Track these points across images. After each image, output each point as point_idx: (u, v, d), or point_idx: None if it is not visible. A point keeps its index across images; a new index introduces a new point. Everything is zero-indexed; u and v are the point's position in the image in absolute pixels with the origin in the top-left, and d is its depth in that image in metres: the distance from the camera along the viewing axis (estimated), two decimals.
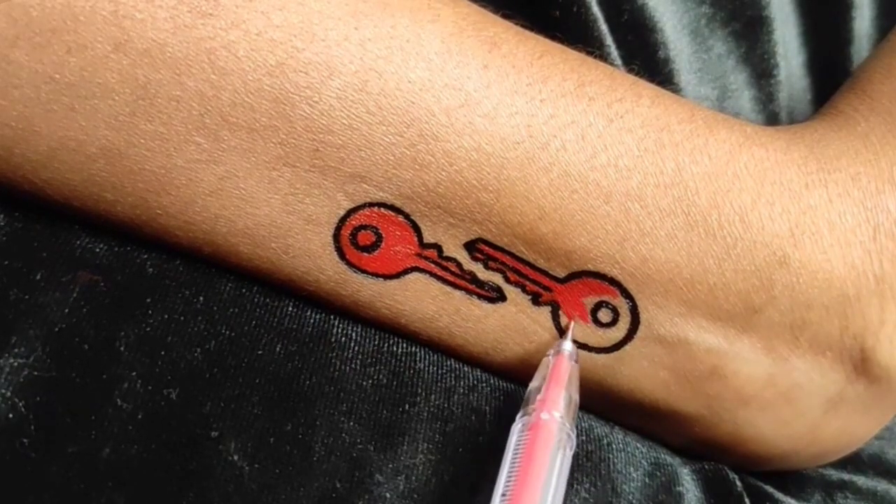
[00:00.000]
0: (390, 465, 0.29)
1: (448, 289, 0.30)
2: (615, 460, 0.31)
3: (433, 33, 0.28)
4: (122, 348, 0.28)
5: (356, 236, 0.29)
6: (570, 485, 0.30)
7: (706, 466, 0.34)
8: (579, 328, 0.30)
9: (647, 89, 0.30)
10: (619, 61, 0.35)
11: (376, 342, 0.31)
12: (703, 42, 0.38)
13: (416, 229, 0.29)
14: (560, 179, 0.28)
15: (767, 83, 0.39)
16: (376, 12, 0.28)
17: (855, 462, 0.38)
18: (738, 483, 0.34)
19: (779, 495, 0.35)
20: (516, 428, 0.28)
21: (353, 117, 0.27)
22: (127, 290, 0.29)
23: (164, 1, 0.26)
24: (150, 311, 0.29)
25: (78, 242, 0.30)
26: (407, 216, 0.29)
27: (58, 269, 0.29)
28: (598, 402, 0.32)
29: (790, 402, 0.32)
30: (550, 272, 0.30)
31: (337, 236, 0.29)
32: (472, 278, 0.30)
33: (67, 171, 0.28)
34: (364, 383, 0.30)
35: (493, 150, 0.28)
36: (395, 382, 0.30)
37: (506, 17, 0.30)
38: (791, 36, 0.40)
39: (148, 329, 0.29)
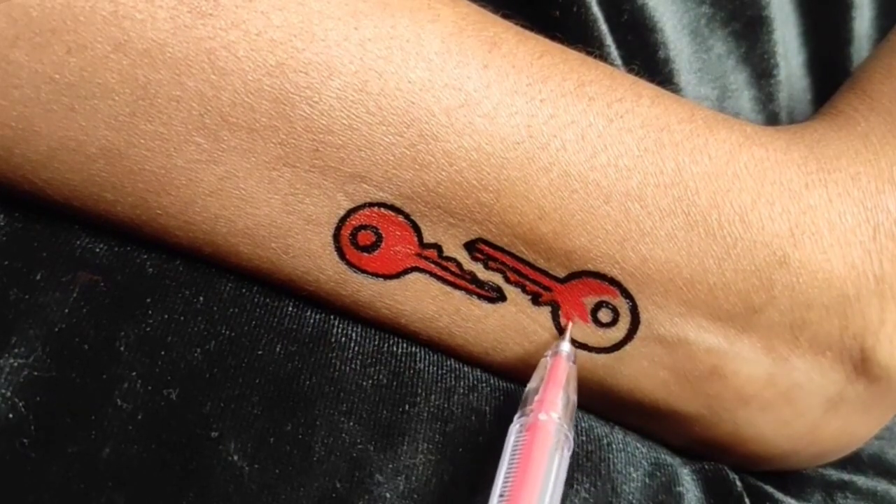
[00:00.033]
0: (390, 466, 0.29)
1: (448, 289, 0.30)
2: (615, 460, 0.31)
3: (433, 33, 0.28)
4: (122, 348, 0.28)
5: (356, 236, 0.29)
6: (570, 485, 0.30)
7: (706, 466, 0.34)
8: (579, 328, 0.30)
9: (647, 89, 0.30)
10: (619, 61, 0.35)
11: (376, 342, 0.31)
12: (703, 42, 0.38)
13: (416, 229, 0.29)
14: (560, 179, 0.28)
15: (767, 83, 0.39)
16: (376, 12, 0.28)
17: (855, 462, 0.38)
18: (738, 483, 0.34)
19: (779, 495, 0.35)
20: (514, 429, 0.28)
21: (353, 117, 0.27)
22: (127, 290, 0.29)
23: (163, 1, 0.26)
24: (150, 311, 0.29)
25: (78, 242, 0.30)
26: (407, 216, 0.29)
27: (58, 269, 0.29)
28: (598, 402, 0.32)
29: (790, 401, 0.32)
30: (550, 272, 0.30)
31: (337, 236, 0.29)
32: (472, 278, 0.30)
33: (67, 171, 0.28)
34: (364, 383, 0.30)
35: (493, 150, 0.28)
36: (395, 382, 0.30)
37: (506, 17, 0.30)
38: (791, 36, 0.40)
39: (148, 329, 0.29)
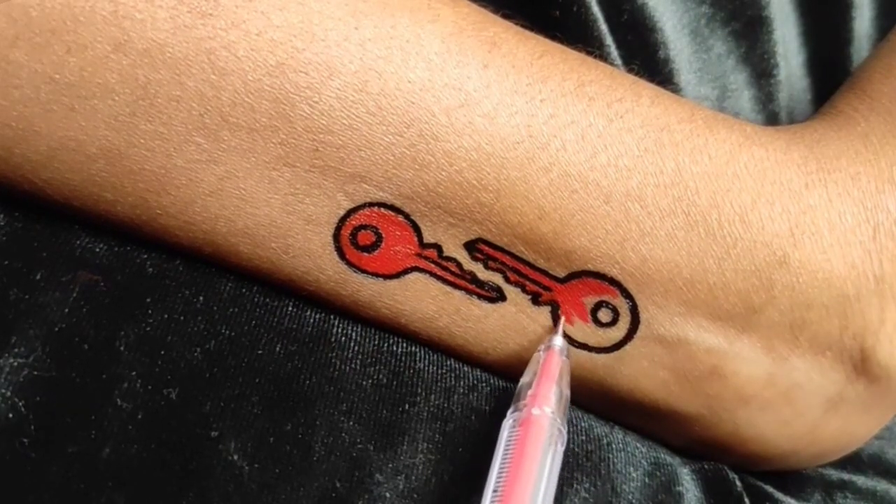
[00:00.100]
0: (390, 465, 0.29)
1: (448, 289, 0.30)
2: (615, 460, 0.31)
3: (433, 33, 0.28)
4: (122, 348, 0.28)
5: (356, 236, 0.29)
6: (569, 484, 0.30)
7: (706, 466, 0.34)
8: (579, 328, 0.30)
9: (646, 89, 0.30)
10: (619, 61, 0.35)
11: (376, 342, 0.31)
12: (703, 42, 0.38)
13: (416, 229, 0.29)
14: (560, 179, 0.28)
15: (767, 83, 0.39)
16: (376, 12, 0.28)
17: (855, 462, 0.38)
18: (738, 483, 0.34)
19: (779, 495, 0.35)
20: (507, 424, 0.28)
21: (353, 117, 0.27)
22: (127, 290, 0.29)
23: (163, 1, 0.26)
24: (150, 311, 0.29)
25: (78, 242, 0.30)
26: (407, 216, 0.29)
27: (58, 269, 0.29)
28: (598, 401, 0.32)
29: (790, 401, 0.32)
30: (550, 272, 0.30)
31: (337, 236, 0.29)
32: (472, 278, 0.30)
33: (67, 171, 0.28)
34: (364, 383, 0.30)
35: (493, 149, 0.28)
36: (394, 382, 0.30)
37: (506, 17, 0.30)
38: (791, 36, 0.40)
39: (148, 329, 0.29)
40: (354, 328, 0.31)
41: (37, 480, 0.27)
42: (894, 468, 0.39)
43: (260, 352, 0.29)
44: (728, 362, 0.31)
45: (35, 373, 0.28)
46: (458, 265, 0.30)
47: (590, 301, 0.30)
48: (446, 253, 0.29)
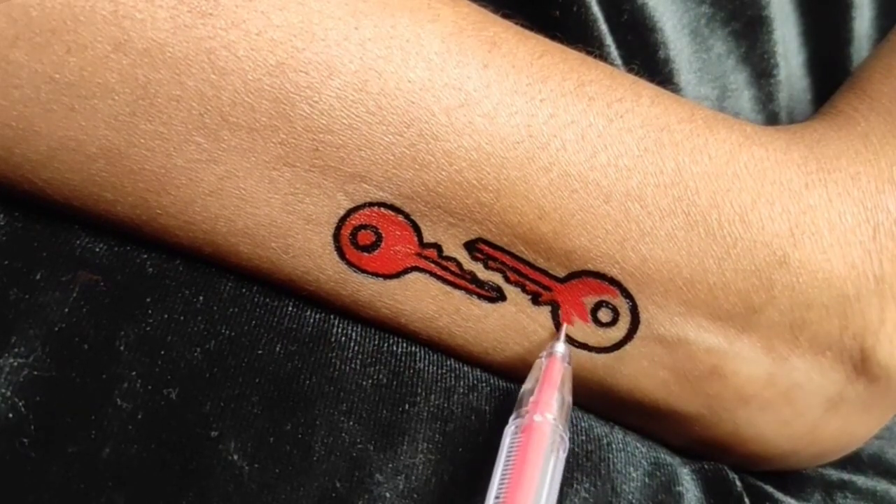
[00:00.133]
0: (390, 465, 0.29)
1: (448, 288, 0.30)
2: (615, 460, 0.31)
3: (433, 33, 0.28)
4: (122, 348, 0.28)
5: (356, 236, 0.29)
6: (569, 484, 0.30)
7: (706, 466, 0.34)
8: (579, 328, 0.30)
9: (646, 89, 0.30)
10: (619, 61, 0.35)
11: (376, 342, 0.31)
12: (703, 42, 0.38)
13: (416, 229, 0.29)
14: (560, 179, 0.28)
15: (767, 83, 0.39)
16: (376, 12, 0.28)
17: (855, 462, 0.38)
18: (738, 483, 0.34)
19: (779, 495, 0.35)
20: (509, 430, 0.28)
21: (353, 117, 0.27)
22: (127, 290, 0.29)
23: (164, 1, 0.26)
24: (150, 311, 0.29)
25: (78, 242, 0.30)
26: (407, 216, 0.29)
27: (58, 269, 0.29)
28: (598, 401, 0.32)
29: (790, 401, 0.32)
30: (550, 272, 0.30)
31: (337, 236, 0.29)
32: (472, 278, 0.30)
33: (67, 170, 0.28)
34: (364, 383, 0.30)
35: (493, 149, 0.28)
36: (394, 382, 0.30)
37: (506, 16, 0.30)
38: (791, 36, 0.40)
39: (148, 329, 0.29)
40: (354, 328, 0.31)
41: (37, 480, 0.27)
42: (894, 468, 0.39)
43: (260, 352, 0.29)
44: (728, 362, 0.31)
45: (35, 373, 0.28)
46: (458, 265, 0.30)
47: (590, 301, 0.30)
48: (446, 253, 0.29)
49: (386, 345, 0.31)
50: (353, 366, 0.30)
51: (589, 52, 0.31)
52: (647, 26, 0.36)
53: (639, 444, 0.32)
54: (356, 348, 0.30)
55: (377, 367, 0.30)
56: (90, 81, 0.26)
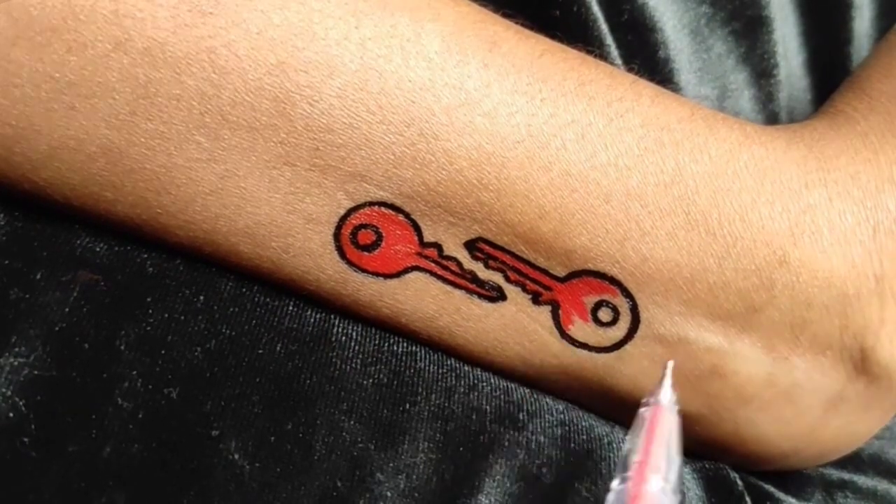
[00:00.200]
0: (391, 464, 0.29)
1: (448, 288, 0.30)
2: (616, 460, 0.31)
3: (433, 32, 0.28)
4: (122, 347, 0.28)
5: (356, 235, 0.29)
6: (570, 485, 0.30)
7: (707, 466, 0.34)
8: (580, 327, 0.30)
9: (646, 88, 0.30)
10: (619, 61, 0.35)
11: (377, 341, 0.31)
12: (703, 42, 0.38)
13: (417, 228, 0.29)
14: (560, 178, 0.28)
15: (767, 83, 0.39)
16: (376, 11, 0.28)
17: (855, 462, 0.38)
18: (739, 482, 0.34)
19: (779, 495, 0.35)
20: (612, 499, 0.24)
21: (354, 116, 0.27)
22: (127, 290, 0.29)
23: None
24: (150, 311, 0.29)
25: (78, 242, 0.30)
26: (407, 215, 0.29)
27: (58, 269, 0.29)
28: (598, 401, 0.32)
29: (790, 401, 0.32)
30: (550, 271, 0.30)
31: (337, 235, 0.29)
32: (473, 277, 0.30)
33: (67, 170, 0.28)
34: (364, 382, 0.30)
35: (494, 149, 0.28)
36: (395, 381, 0.30)
37: (506, 16, 0.30)
38: (791, 36, 0.40)
39: (148, 328, 0.29)
40: (355, 328, 0.31)
41: (37, 480, 0.27)
42: (894, 468, 0.39)
43: (260, 351, 0.29)
44: (728, 362, 0.31)
45: (35, 372, 0.28)
46: (459, 264, 0.30)
47: (590, 300, 0.30)
48: (447, 252, 0.29)
49: (386, 344, 0.31)
50: (353, 365, 0.30)
51: (589, 52, 0.31)
52: (647, 26, 0.36)
53: None
54: (357, 348, 0.30)
55: (378, 367, 0.30)
56: (90, 80, 0.26)
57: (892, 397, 0.33)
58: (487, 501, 0.29)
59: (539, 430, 0.31)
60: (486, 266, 0.30)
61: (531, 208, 0.29)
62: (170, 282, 0.30)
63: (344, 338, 0.30)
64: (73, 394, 0.28)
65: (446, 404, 0.30)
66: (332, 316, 0.31)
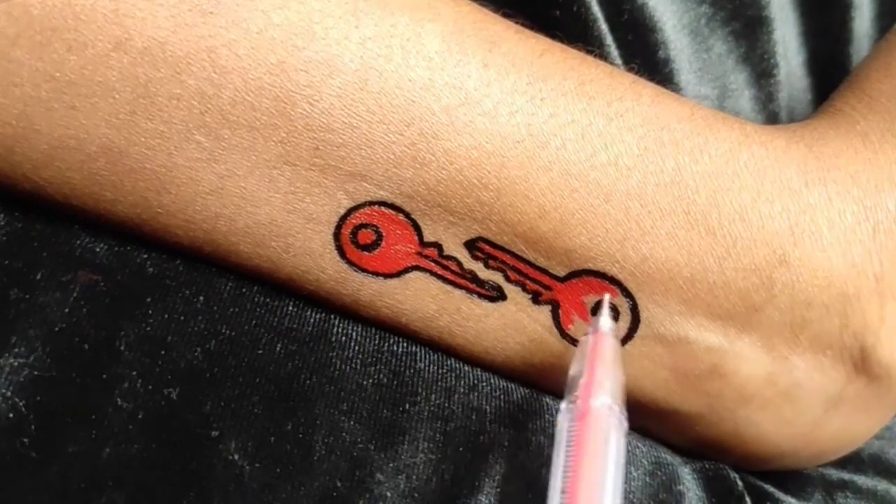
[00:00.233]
0: (391, 465, 0.29)
1: (448, 288, 0.30)
2: None
3: (433, 32, 0.28)
4: (122, 348, 0.28)
5: (356, 235, 0.29)
6: None
7: (707, 466, 0.34)
8: (580, 327, 0.30)
9: (646, 88, 0.30)
10: (618, 61, 0.35)
11: (377, 341, 0.31)
12: (703, 42, 0.38)
13: (417, 228, 0.29)
14: (560, 178, 0.28)
15: (767, 83, 0.39)
16: (376, 11, 0.28)
17: (855, 462, 0.38)
18: (739, 482, 0.34)
19: (779, 494, 0.35)
20: (564, 419, 0.27)
21: (354, 116, 0.27)
22: (127, 290, 0.29)
23: None
24: (150, 311, 0.29)
25: (78, 242, 0.30)
26: (407, 215, 0.29)
27: (58, 269, 0.29)
28: None
29: (791, 400, 0.32)
30: (550, 271, 0.30)
31: (337, 235, 0.29)
32: (473, 277, 0.30)
33: (68, 169, 0.28)
34: (364, 383, 0.30)
35: (494, 148, 0.28)
36: (395, 382, 0.30)
37: (506, 16, 0.30)
38: (791, 36, 0.40)
39: (148, 328, 0.29)
40: (355, 328, 0.31)
41: (37, 480, 0.27)
42: (894, 468, 0.39)
43: (260, 351, 0.29)
44: (728, 361, 0.31)
45: (35, 373, 0.28)
46: (459, 264, 0.30)
47: (590, 300, 0.30)
48: (447, 252, 0.29)
49: (386, 344, 0.31)
50: (353, 365, 0.30)
51: (589, 52, 0.31)
52: (647, 26, 0.36)
53: (639, 444, 0.32)
54: (357, 348, 0.30)
55: (378, 367, 0.30)
56: (91, 80, 0.27)
57: (892, 397, 0.33)
58: (487, 501, 0.29)
59: (539, 430, 0.31)
60: (486, 266, 0.30)
61: (531, 208, 0.29)
62: (170, 282, 0.30)
63: (344, 338, 0.30)
64: (73, 394, 0.28)
65: (446, 404, 0.30)
66: (332, 316, 0.31)
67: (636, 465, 0.32)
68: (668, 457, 0.33)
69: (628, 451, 0.32)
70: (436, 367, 0.31)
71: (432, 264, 0.30)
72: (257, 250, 0.29)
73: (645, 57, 0.36)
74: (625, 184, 0.29)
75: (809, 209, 0.30)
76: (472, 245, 0.29)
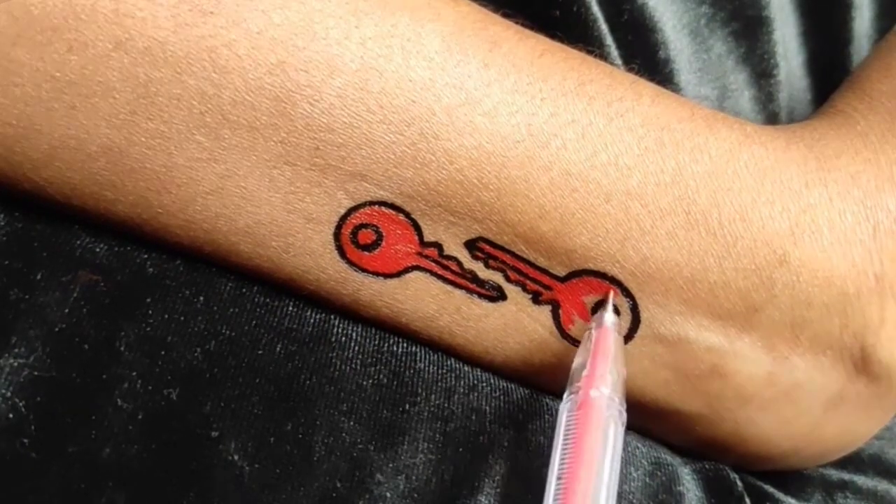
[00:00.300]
0: (391, 465, 0.29)
1: (448, 288, 0.30)
2: None
3: (434, 32, 0.28)
4: (122, 348, 0.28)
5: (357, 235, 0.29)
6: None
7: (707, 466, 0.34)
8: (580, 327, 0.30)
9: (647, 88, 0.30)
10: (619, 61, 0.35)
11: (376, 342, 0.31)
12: (703, 42, 0.38)
13: (417, 228, 0.29)
14: (560, 178, 0.28)
15: (767, 83, 0.39)
16: (377, 11, 0.28)
17: (855, 462, 0.38)
18: (739, 483, 0.34)
19: (779, 495, 0.35)
20: (564, 408, 0.28)
21: (354, 116, 0.27)
22: (127, 290, 0.29)
23: None
24: (150, 311, 0.29)
25: (78, 242, 0.30)
26: (407, 215, 0.29)
27: (58, 269, 0.29)
28: None
29: (791, 400, 0.32)
30: (551, 271, 0.30)
31: (337, 235, 0.29)
32: (473, 277, 0.30)
33: (68, 169, 0.28)
34: (364, 383, 0.30)
35: (494, 148, 0.28)
36: (395, 382, 0.30)
37: (506, 16, 0.30)
38: (791, 36, 0.40)
39: (148, 329, 0.29)
40: (355, 328, 0.31)
41: (37, 480, 0.27)
42: (894, 468, 0.39)
43: (260, 352, 0.29)
44: (729, 361, 0.31)
45: (35, 373, 0.28)
46: (459, 264, 0.30)
47: (590, 300, 0.30)
48: (447, 252, 0.29)
49: (386, 345, 0.31)
50: (353, 366, 0.30)
51: (589, 52, 0.31)
52: (647, 26, 0.36)
53: (639, 444, 0.32)
54: (356, 348, 0.30)
55: (377, 367, 0.30)
56: (91, 80, 0.26)
57: (892, 397, 0.33)
58: (487, 502, 0.29)
59: (539, 430, 0.31)
60: (487, 266, 0.30)
61: (531, 208, 0.29)
62: (170, 282, 0.30)
63: (344, 338, 0.30)
64: (73, 394, 0.28)
65: (446, 405, 0.30)
66: (332, 316, 0.31)
67: (636, 465, 0.32)
68: (668, 457, 0.33)
69: (628, 452, 0.32)
70: (436, 368, 0.31)
71: (432, 264, 0.30)
72: (257, 250, 0.29)
73: (645, 57, 0.36)
74: (625, 184, 0.29)
75: (810, 209, 0.30)
76: (472, 245, 0.29)
